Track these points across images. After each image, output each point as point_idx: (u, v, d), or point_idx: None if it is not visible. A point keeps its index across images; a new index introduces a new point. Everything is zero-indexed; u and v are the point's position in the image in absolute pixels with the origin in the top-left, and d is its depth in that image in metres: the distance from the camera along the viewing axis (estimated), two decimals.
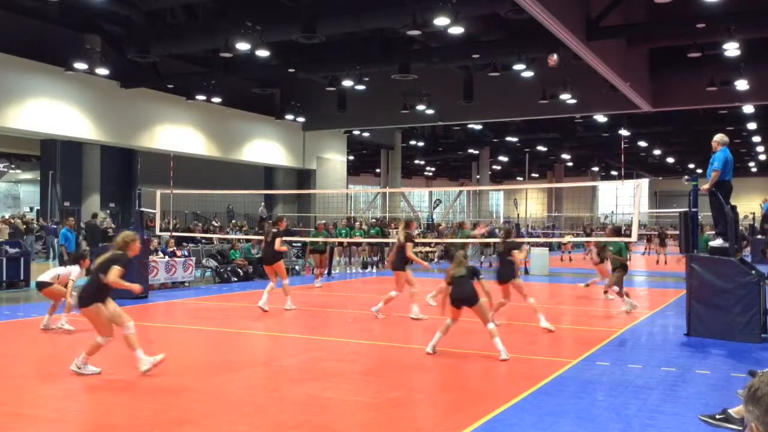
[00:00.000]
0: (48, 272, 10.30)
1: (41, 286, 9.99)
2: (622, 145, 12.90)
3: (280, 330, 10.47)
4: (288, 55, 21.90)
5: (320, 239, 18.14)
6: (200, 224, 26.62)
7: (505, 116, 28.21)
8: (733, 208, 9.99)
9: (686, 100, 22.96)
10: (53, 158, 27.05)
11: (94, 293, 7.09)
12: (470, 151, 43.44)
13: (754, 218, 31.63)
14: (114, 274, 7.02)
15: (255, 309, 12.07)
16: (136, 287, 7.51)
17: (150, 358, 7.04)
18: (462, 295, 8.05)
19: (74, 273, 10.02)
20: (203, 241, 21.25)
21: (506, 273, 10.28)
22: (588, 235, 30.81)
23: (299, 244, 22.40)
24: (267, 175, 33.60)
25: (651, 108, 22.26)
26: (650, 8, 16.47)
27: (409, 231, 11.76)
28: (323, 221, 25.07)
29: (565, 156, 45.56)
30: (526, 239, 16.40)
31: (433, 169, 55.90)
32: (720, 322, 9.31)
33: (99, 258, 7.35)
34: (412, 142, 37.97)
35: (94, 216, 21.12)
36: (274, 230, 12.56)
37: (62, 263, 14.60)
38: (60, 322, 9.75)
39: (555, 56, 16.70)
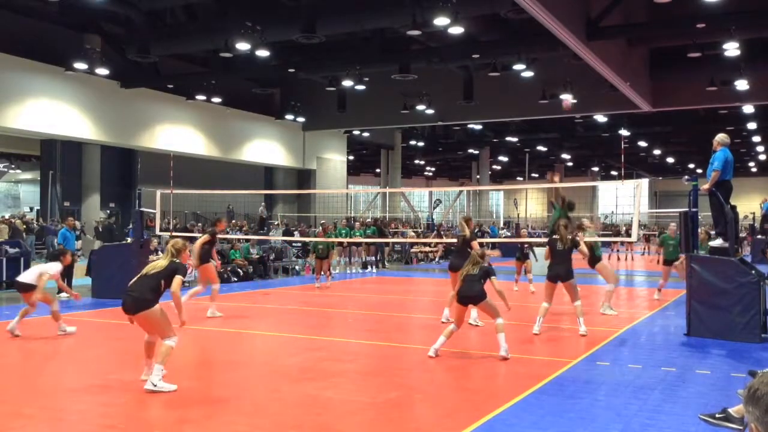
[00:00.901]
0: (29, 272, 9.82)
1: (24, 288, 9.43)
2: (622, 145, 12.88)
3: (280, 330, 10.47)
4: (288, 55, 21.91)
5: (322, 239, 17.61)
6: (200, 224, 26.61)
7: (505, 116, 28.21)
8: (733, 208, 9.99)
9: (686, 100, 22.96)
10: (53, 158, 27.05)
11: (155, 298, 6.79)
12: (470, 151, 43.44)
13: (754, 218, 31.62)
14: (177, 284, 6.84)
15: (255, 309, 12.08)
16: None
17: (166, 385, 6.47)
18: (469, 293, 8.08)
19: (54, 269, 9.59)
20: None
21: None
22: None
23: (299, 244, 22.41)
24: (267, 175, 33.60)
25: (651, 108, 22.26)
26: (650, 8, 16.48)
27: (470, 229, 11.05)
28: (323, 221, 25.10)
29: (565, 156, 45.56)
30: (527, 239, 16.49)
31: (433, 169, 55.90)
32: (720, 322, 9.31)
33: (158, 263, 6.98)
34: (412, 142, 37.97)
35: (110, 216, 21.17)
36: (210, 230, 12.31)
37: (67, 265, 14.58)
38: (61, 327, 9.64)
39: (569, 101, 16.58)
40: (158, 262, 6.98)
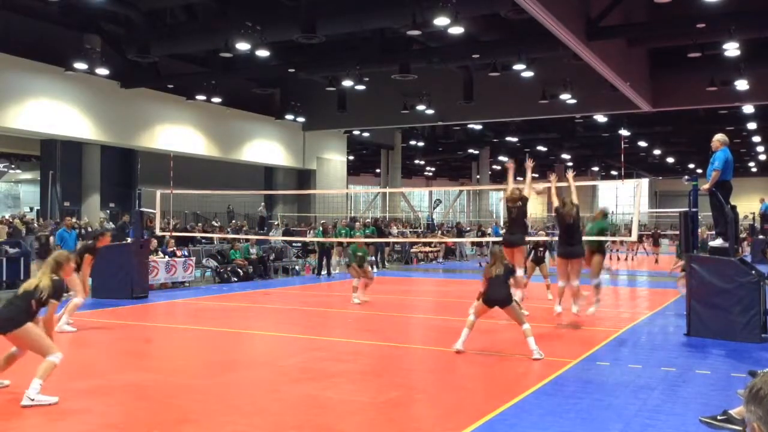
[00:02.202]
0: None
1: None
2: (622, 145, 12.90)
3: (280, 330, 10.47)
4: (288, 55, 21.91)
5: (362, 239, 15.53)
6: (199, 224, 26.61)
7: (505, 116, 28.20)
8: (733, 208, 9.99)
9: (686, 100, 22.96)
10: (53, 158, 27.04)
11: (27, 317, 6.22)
12: (470, 151, 43.43)
13: (754, 218, 31.61)
14: (51, 310, 6.36)
15: (255, 309, 12.08)
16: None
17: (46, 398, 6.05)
18: (498, 296, 8.06)
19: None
20: (203, 241, 21.26)
21: None
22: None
23: (299, 244, 22.41)
24: (267, 175, 33.60)
25: (651, 108, 22.26)
26: (650, 8, 16.48)
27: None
28: (323, 221, 25.02)
29: (565, 156, 45.55)
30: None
31: (433, 169, 55.89)
32: (720, 322, 9.31)
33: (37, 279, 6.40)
34: (412, 142, 37.96)
35: (125, 218, 21.10)
36: (89, 243, 11.17)
37: None
38: (60, 324, 9.65)
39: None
40: (33, 281, 6.36)
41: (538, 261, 13.68)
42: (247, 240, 19.69)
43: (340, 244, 21.33)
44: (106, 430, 5.38)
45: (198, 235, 22.01)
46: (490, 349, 8.25)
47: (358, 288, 13.28)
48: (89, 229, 21.94)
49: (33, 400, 6.00)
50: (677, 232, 13.75)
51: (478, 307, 8.22)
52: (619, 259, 29.09)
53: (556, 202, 10.54)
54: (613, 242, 29.51)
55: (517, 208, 10.58)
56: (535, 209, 42.85)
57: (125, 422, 5.56)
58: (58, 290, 6.43)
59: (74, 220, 18.65)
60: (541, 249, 13.76)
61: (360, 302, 13.02)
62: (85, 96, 22.13)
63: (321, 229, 22.24)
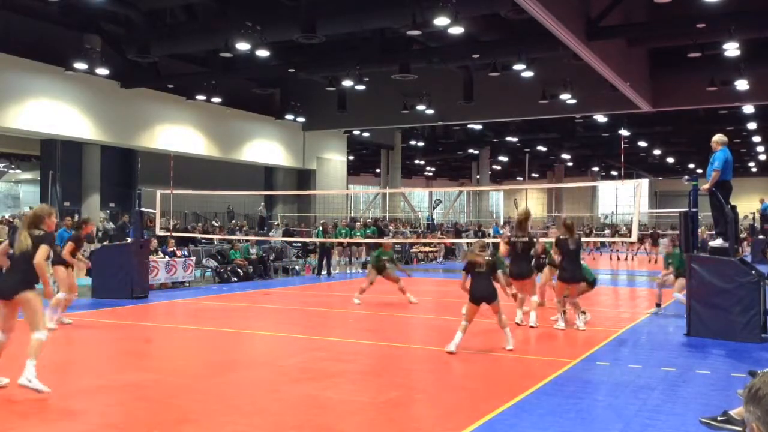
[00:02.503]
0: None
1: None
2: (622, 145, 12.88)
3: (280, 330, 10.48)
4: (288, 55, 21.90)
5: (390, 240, 14.80)
6: (199, 224, 26.61)
7: (505, 116, 28.19)
8: (733, 208, 9.99)
9: (686, 100, 22.95)
10: (53, 158, 27.01)
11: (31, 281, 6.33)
12: (470, 151, 43.44)
13: (754, 218, 31.62)
14: (41, 255, 6.29)
15: (255, 309, 12.08)
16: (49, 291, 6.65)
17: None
18: (484, 293, 8.17)
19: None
20: (203, 241, 21.26)
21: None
22: (587, 235, 30.81)
23: (299, 244, 22.41)
24: (267, 175, 33.59)
25: (651, 108, 22.25)
26: (650, 8, 16.47)
27: None
28: (323, 221, 24.99)
29: (565, 156, 45.56)
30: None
31: (433, 169, 55.89)
32: (720, 322, 9.31)
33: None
34: (412, 142, 37.96)
35: (125, 218, 21.12)
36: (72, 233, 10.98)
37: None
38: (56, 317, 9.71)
39: None
40: (21, 243, 6.38)
41: (539, 268, 13.55)
42: (247, 240, 19.69)
43: (340, 244, 21.34)
44: (106, 430, 5.38)
45: (198, 235, 22.01)
46: (490, 349, 8.24)
47: (364, 290, 13.23)
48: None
49: (30, 381, 6.15)
50: (677, 232, 13.54)
51: (468, 310, 8.26)
52: (619, 258, 29.11)
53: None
54: (613, 242, 29.54)
55: (522, 243, 10.35)
56: (536, 210, 42.90)
57: (125, 422, 5.56)
58: (44, 240, 6.37)
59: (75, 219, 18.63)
60: (543, 257, 13.57)
61: (360, 303, 13.00)
62: (85, 96, 22.12)
63: (321, 229, 22.24)
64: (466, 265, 8.35)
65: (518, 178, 56.51)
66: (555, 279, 11.50)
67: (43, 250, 6.31)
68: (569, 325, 10.07)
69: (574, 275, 10.00)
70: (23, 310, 6.42)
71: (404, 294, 13.10)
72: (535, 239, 10.69)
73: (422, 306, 12.96)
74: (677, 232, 13.41)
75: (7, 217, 25.87)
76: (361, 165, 48.82)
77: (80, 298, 13.80)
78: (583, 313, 10.34)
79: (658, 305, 12.25)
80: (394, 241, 25.25)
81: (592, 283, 11.33)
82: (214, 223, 27.60)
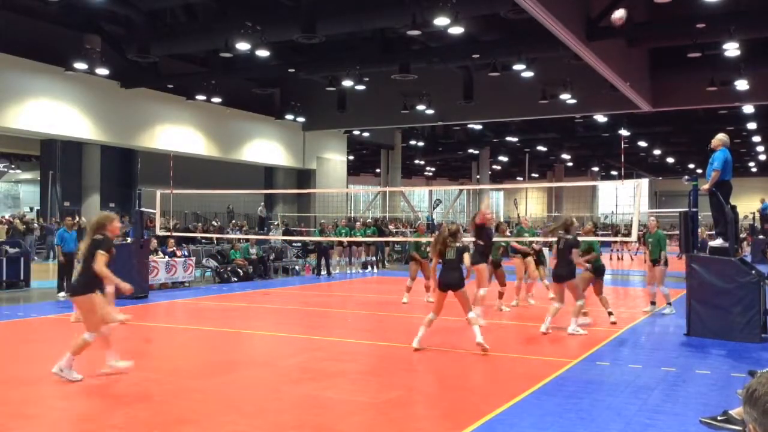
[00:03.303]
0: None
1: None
2: (622, 145, 12.88)
3: (280, 330, 10.48)
4: (288, 55, 21.91)
5: (423, 239, 13.85)
6: (199, 224, 26.61)
7: (505, 116, 28.21)
8: (733, 208, 9.99)
9: (686, 100, 22.95)
10: (53, 158, 27.05)
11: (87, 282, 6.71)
12: (470, 151, 43.46)
13: (754, 218, 31.63)
14: (100, 262, 6.59)
15: (255, 309, 12.07)
16: (126, 287, 6.85)
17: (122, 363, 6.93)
18: (449, 279, 8.25)
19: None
20: (203, 241, 21.26)
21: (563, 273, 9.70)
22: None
23: (299, 244, 22.40)
24: (267, 175, 33.60)
25: (651, 108, 22.26)
26: (650, 8, 16.46)
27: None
28: (323, 221, 24.98)
29: (565, 156, 45.57)
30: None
31: (433, 169, 55.91)
32: (720, 322, 9.31)
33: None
34: (412, 142, 37.97)
35: (125, 218, 21.13)
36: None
37: (59, 264, 14.57)
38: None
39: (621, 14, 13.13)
40: (83, 248, 6.84)
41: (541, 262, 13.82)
42: (247, 240, 19.69)
43: (340, 244, 21.33)
44: (106, 430, 5.38)
45: (198, 235, 22.01)
46: (490, 349, 8.24)
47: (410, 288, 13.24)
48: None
49: (62, 371, 6.62)
50: (677, 232, 13.56)
51: (436, 298, 8.29)
52: (620, 258, 29.09)
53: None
54: (614, 242, 29.53)
55: (562, 240, 9.87)
56: (536, 209, 42.93)
57: (125, 422, 5.56)
58: (100, 245, 6.70)
59: (77, 219, 18.65)
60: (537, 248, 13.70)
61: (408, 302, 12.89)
62: (85, 96, 22.13)
63: (319, 228, 22.24)
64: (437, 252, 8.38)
65: (518, 178, 56.53)
66: (549, 280, 11.54)
67: (100, 257, 6.61)
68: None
69: (561, 274, 9.75)
70: (78, 311, 7.05)
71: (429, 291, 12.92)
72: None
73: (422, 306, 12.95)
74: (677, 232, 13.40)
75: (7, 217, 25.87)
76: (361, 165, 48.83)
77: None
78: (585, 314, 10.34)
79: (653, 303, 12.28)
80: (394, 240, 25.31)
81: (597, 271, 10.89)
82: (214, 223, 27.61)
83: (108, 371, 6.87)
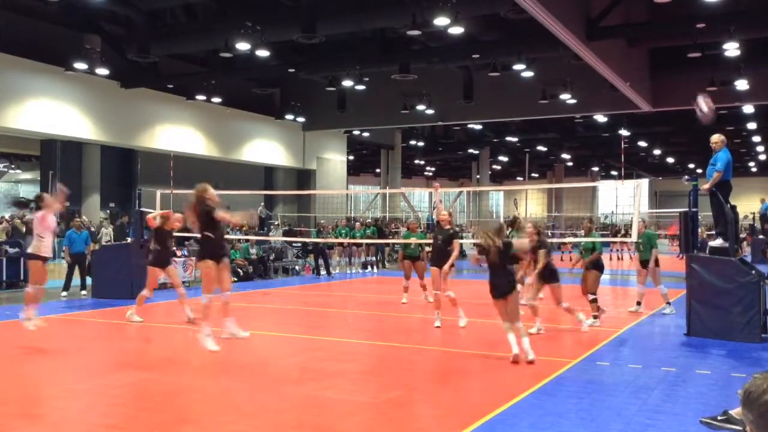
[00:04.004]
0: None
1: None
2: (622, 145, 12.89)
3: (280, 330, 10.47)
4: (288, 55, 21.91)
5: (413, 240, 13.50)
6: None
7: (505, 116, 28.20)
8: (733, 208, 10.00)
9: (686, 100, 22.75)
10: (53, 158, 27.03)
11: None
12: (470, 151, 43.46)
13: (754, 218, 31.63)
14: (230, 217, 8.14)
15: (255, 309, 12.06)
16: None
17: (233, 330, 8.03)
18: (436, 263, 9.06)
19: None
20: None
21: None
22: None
23: (299, 244, 22.40)
24: (267, 175, 33.60)
25: (651, 108, 22.25)
26: (650, 8, 16.47)
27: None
28: (322, 221, 24.95)
29: (565, 156, 45.55)
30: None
31: (433, 169, 55.91)
32: (720, 322, 9.31)
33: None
34: (412, 142, 37.97)
35: (124, 218, 21.16)
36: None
37: (69, 266, 14.59)
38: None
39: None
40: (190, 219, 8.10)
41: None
42: (247, 240, 19.69)
43: (341, 244, 21.33)
44: (106, 430, 5.38)
45: (198, 235, 21.97)
46: (491, 349, 8.24)
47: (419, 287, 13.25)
48: (91, 229, 21.92)
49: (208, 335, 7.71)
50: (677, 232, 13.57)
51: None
52: (619, 258, 29.10)
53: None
54: (613, 243, 29.52)
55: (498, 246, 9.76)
56: (536, 209, 42.90)
57: (125, 422, 5.56)
58: (214, 210, 7.73)
59: (84, 219, 18.61)
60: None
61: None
62: (85, 96, 22.12)
63: (317, 229, 22.24)
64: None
65: (518, 178, 56.53)
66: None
67: (225, 216, 8.00)
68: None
69: (544, 276, 9.56)
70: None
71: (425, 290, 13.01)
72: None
73: (422, 306, 12.95)
74: (678, 232, 13.38)
75: (7, 217, 25.85)
76: (361, 165, 48.84)
77: (80, 298, 13.83)
78: (596, 317, 10.35)
79: (639, 303, 12.28)
80: (394, 241, 25.28)
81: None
82: None
83: (227, 336, 7.80)
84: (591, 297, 10.48)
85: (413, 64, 21.10)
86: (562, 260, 27.35)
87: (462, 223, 39.83)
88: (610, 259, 29.55)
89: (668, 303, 12.04)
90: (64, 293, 14.20)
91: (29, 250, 9.28)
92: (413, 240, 13.31)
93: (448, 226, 10.20)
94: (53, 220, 9.27)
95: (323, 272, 20.28)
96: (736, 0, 15.77)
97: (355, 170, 47.43)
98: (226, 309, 7.98)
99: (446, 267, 9.73)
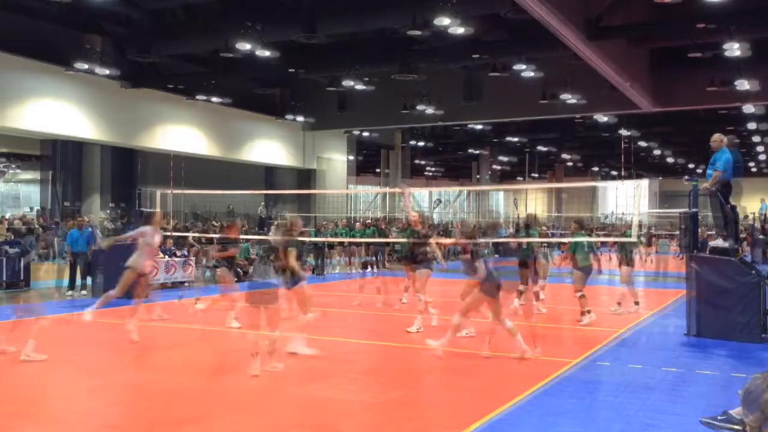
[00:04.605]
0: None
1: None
2: (623, 145, 12.89)
3: (279, 330, 10.45)
4: (289, 55, 21.89)
5: (401, 240, 13.55)
6: (199, 224, 26.59)
7: (506, 116, 28.18)
8: (733, 208, 9.99)
9: (687, 100, 22.92)
10: (53, 158, 27.05)
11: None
12: (471, 151, 43.44)
13: (754, 218, 31.59)
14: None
15: (254, 309, 11.99)
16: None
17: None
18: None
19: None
20: (203, 241, 21.22)
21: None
22: (589, 234, 30.73)
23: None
24: (268, 175, 33.59)
25: (652, 108, 22.23)
26: (651, 8, 16.44)
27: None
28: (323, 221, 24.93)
29: (566, 156, 45.54)
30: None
31: (433, 169, 55.93)
32: (720, 322, 9.31)
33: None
34: (413, 142, 37.95)
35: (121, 217, 21.16)
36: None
37: (71, 266, 14.59)
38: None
39: None
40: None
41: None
42: (247, 240, 19.68)
43: (341, 244, 21.33)
44: (106, 430, 5.38)
45: (198, 235, 21.96)
46: (491, 349, 8.24)
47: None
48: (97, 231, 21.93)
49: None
50: (676, 232, 13.60)
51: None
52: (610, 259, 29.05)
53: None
54: (614, 243, 29.47)
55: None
56: (536, 209, 42.87)
57: (125, 422, 5.56)
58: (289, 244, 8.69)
59: (86, 218, 18.57)
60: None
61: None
62: (86, 96, 22.11)
63: (315, 229, 22.24)
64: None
65: (518, 178, 56.51)
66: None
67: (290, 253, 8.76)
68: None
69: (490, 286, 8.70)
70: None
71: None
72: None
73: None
74: (679, 233, 13.40)
75: (7, 217, 25.87)
76: (361, 165, 48.85)
77: (81, 298, 13.83)
78: (588, 312, 10.40)
79: (619, 303, 12.33)
80: (394, 240, 25.27)
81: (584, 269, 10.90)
82: (214, 223, 27.59)
83: (292, 351, 8.11)
84: (579, 294, 10.72)
85: (414, 64, 21.09)
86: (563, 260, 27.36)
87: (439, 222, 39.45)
88: (610, 259, 29.52)
89: (636, 303, 12.18)
90: (70, 292, 14.22)
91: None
92: (401, 239, 13.13)
93: (419, 227, 10.30)
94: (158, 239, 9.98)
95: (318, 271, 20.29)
96: (737, 0, 15.74)
97: (356, 170, 47.44)
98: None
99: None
